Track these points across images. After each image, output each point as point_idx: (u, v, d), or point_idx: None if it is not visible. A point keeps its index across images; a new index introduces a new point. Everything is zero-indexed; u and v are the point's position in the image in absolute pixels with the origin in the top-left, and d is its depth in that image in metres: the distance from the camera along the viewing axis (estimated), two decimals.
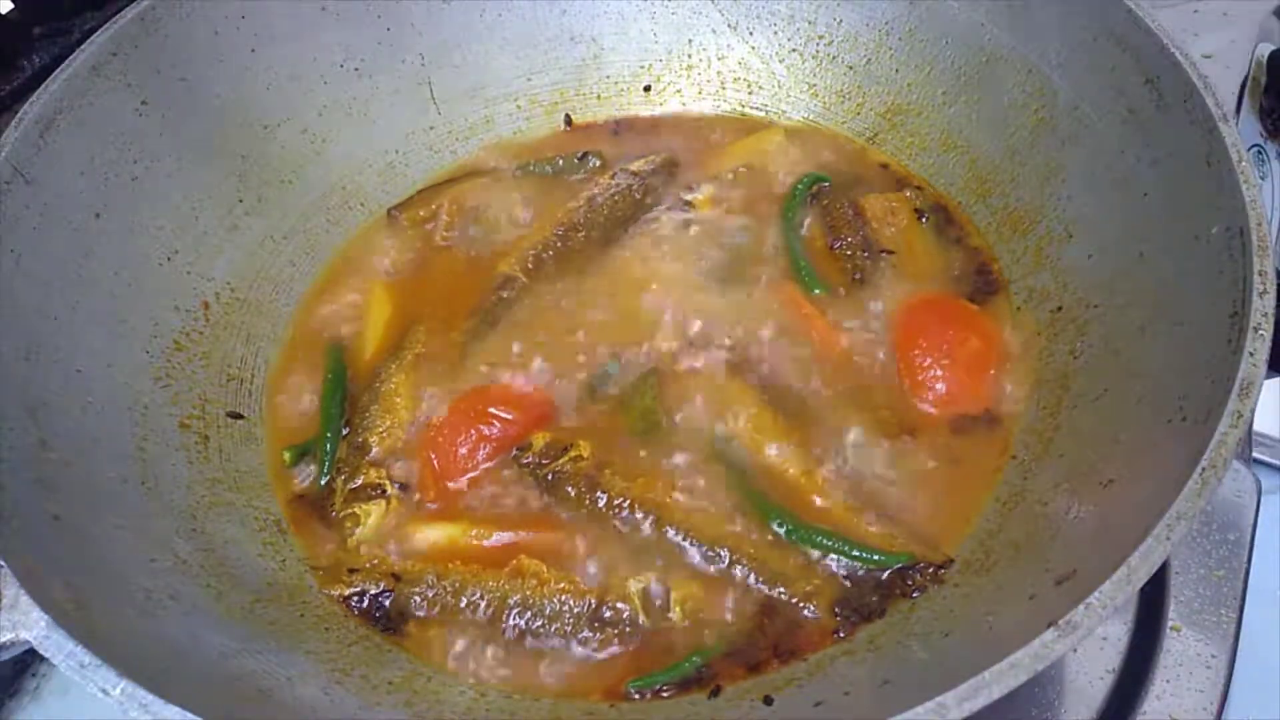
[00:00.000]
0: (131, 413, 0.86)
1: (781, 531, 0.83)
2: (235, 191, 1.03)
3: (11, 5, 1.21)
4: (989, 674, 0.55)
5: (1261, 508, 0.91)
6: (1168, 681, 0.83)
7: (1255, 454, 0.99)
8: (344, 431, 0.94)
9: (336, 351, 1.00)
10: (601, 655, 0.79)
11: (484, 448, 0.90)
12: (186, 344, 0.94)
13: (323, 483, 0.91)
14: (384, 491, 0.89)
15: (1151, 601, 0.86)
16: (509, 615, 0.80)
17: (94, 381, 0.85)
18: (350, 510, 0.88)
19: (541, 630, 0.79)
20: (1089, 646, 0.85)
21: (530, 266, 1.03)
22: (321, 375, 0.98)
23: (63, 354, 0.83)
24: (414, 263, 1.08)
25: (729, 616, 0.80)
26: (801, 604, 0.79)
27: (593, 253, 1.05)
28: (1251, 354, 0.65)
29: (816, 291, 0.98)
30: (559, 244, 1.04)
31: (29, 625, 0.61)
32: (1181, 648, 0.84)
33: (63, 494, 0.75)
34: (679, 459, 0.88)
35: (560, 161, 1.15)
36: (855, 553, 0.81)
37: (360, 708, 0.73)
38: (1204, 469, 0.61)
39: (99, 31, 0.92)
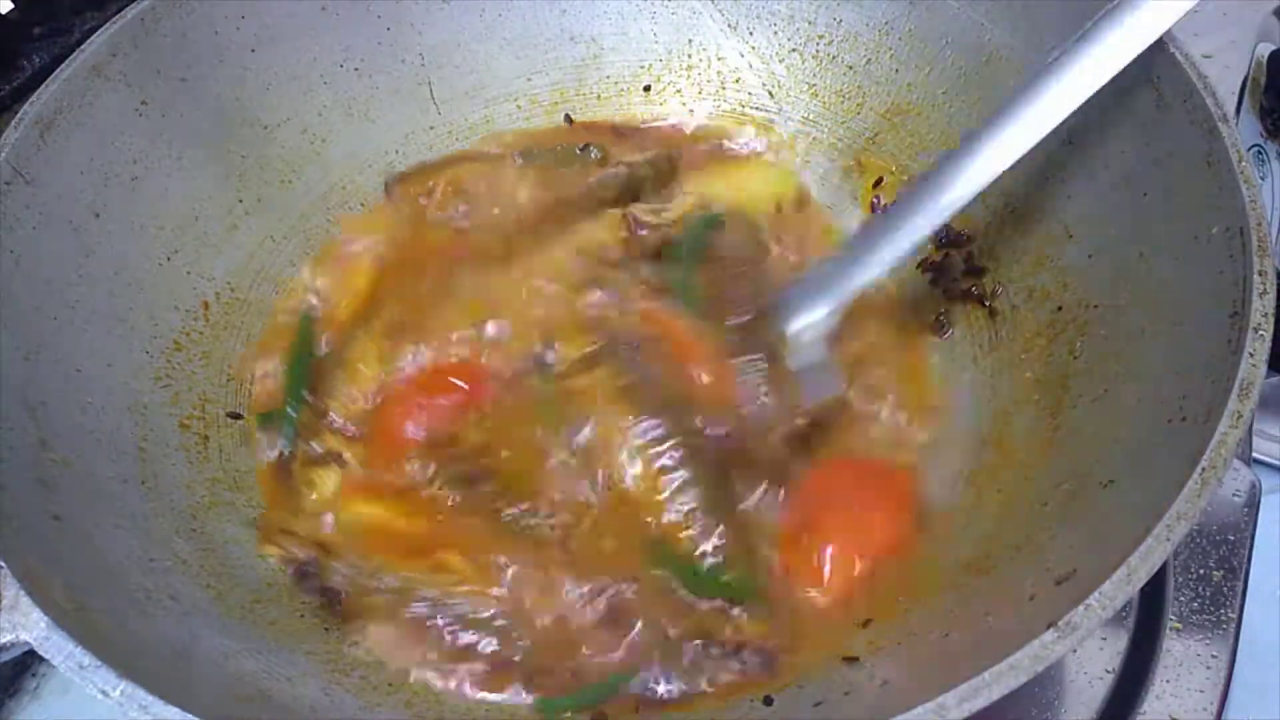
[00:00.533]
0: (131, 413, 0.86)
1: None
2: (235, 191, 1.03)
3: (11, 5, 1.21)
4: (989, 674, 0.55)
5: (1261, 508, 0.91)
6: (1168, 681, 0.83)
7: (1255, 454, 0.99)
8: (309, 399, 0.95)
9: (306, 320, 1.00)
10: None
11: (428, 418, 0.91)
12: (186, 344, 0.94)
13: (285, 450, 0.92)
14: (341, 458, 0.90)
15: (1151, 601, 0.86)
16: (415, 603, 0.80)
17: (94, 381, 0.84)
18: (308, 476, 0.90)
19: (447, 623, 0.80)
20: (1089, 646, 0.85)
21: (504, 242, 1.04)
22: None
23: (62, 354, 0.83)
24: (401, 236, 1.08)
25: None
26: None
27: (559, 231, 1.05)
28: (1251, 354, 0.65)
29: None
30: (534, 223, 1.05)
31: (29, 626, 0.61)
32: (1181, 648, 0.84)
33: (62, 494, 0.75)
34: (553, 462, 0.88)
35: (560, 149, 1.14)
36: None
37: (360, 708, 0.73)
38: (1204, 469, 0.61)
39: (99, 31, 0.92)
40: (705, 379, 0.92)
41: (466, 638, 0.79)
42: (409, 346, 0.97)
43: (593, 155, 1.14)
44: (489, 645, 0.79)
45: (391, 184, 1.11)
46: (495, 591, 0.81)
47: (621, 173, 1.10)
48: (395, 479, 0.89)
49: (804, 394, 0.89)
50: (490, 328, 0.97)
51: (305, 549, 0.84)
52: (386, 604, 0.81)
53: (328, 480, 0.90)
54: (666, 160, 1.13)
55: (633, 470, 0.86)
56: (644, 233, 1.05)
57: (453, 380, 0.93)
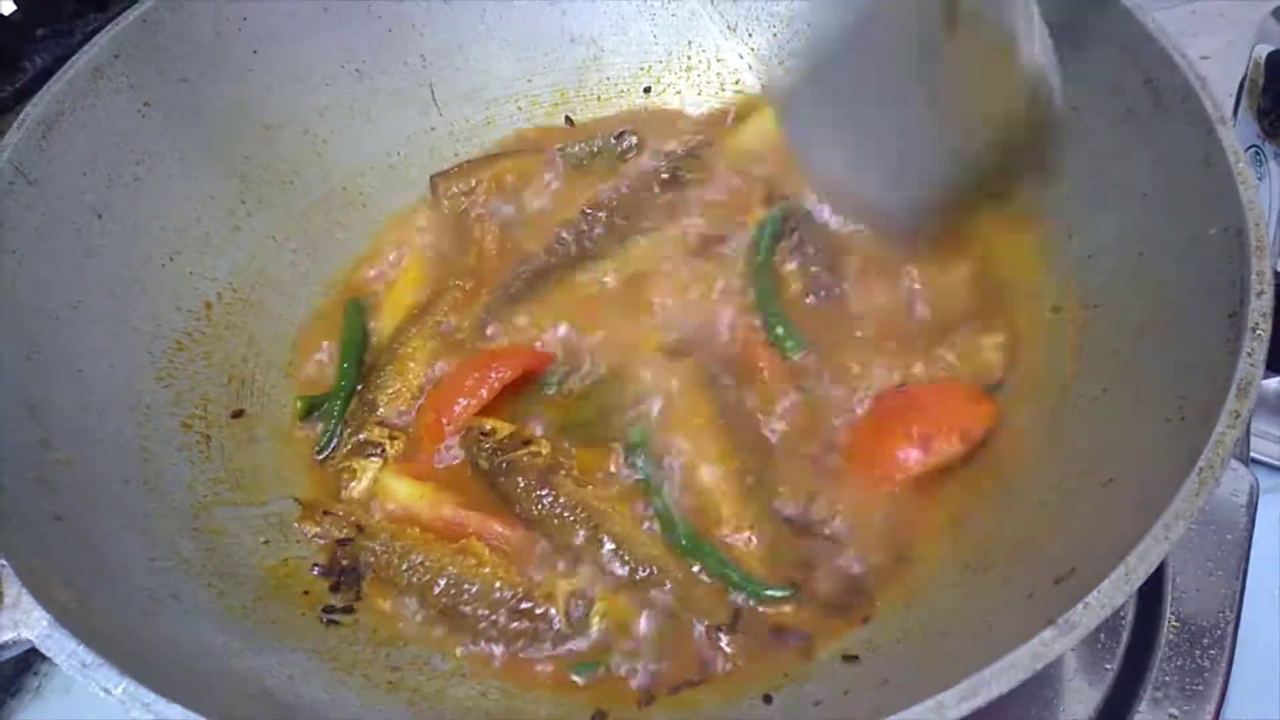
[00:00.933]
0: (133, 413, 0.86)
1: (678, 543, 0.83)
2: (237, 192, 1.03)
3: (14, 6, 1.22)
4: (988, 673, 0.55)
5: (1260, 507, 0.91)
6: (1167, 681, 0.83)
7: (1253, 454, 0.99)
8: (358, 389, 0.98)
9: (356, 309, 1.03)
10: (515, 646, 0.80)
11: (482, 390, 0.91)
12: (188, 344, 0.94)
13: (329, 438, 0.95)
14: (383, 451, 0.92)
15: (1151, 601, 0.86)
16: (439, 586, 0.82)
17: (96, 381, 0.85)
18: (348, 464, 0.92)
19: (467, 606, 0.81)
20: (1088, 646, 0.85)
21: (556, 246, 1.04)
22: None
23: (64, 354, 0.83)
24: (449, 234, 1.10)
25: (645, 635, 0.80)
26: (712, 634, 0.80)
27: (613, 240, 1.05)
28: (1249, 354, 0.65)
29: (790, 353, 0.94)
30: (584, 226, 1.05)
31: (31, 624, 0.61)
32: (1181, 648, 0.84)
33: (64, 494, 0.75)
34: (627, 472, 0.88)
35: (599, 143, 1.15)
36: (734, 577, 0.81)
37: (362, 707, 0.73)
38: (1202, 469, 0.61)
39: (101, 33, 0.92)
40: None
41: (484, 615, 0.81)
42: (459, 350, 0.99)
43: (629, 141, 1.14)
44: (507, 623, 0.80)
45: (435, 181, 1.12)
46: (518, 573, 0.83)
47: (664, 167, 1.10)
48: (434, 463, 0.91)
49: None
50: (560, 330, 0.99)
51: (342, 527, 0.87)
52: (412, 582, 0.83)
53: (368, 469, 0.91)
54: (704, 146, 1.13)
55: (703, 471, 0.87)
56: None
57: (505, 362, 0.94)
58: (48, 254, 0.85)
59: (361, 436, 0.93)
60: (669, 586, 0.82)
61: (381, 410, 0.95)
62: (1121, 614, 0.86)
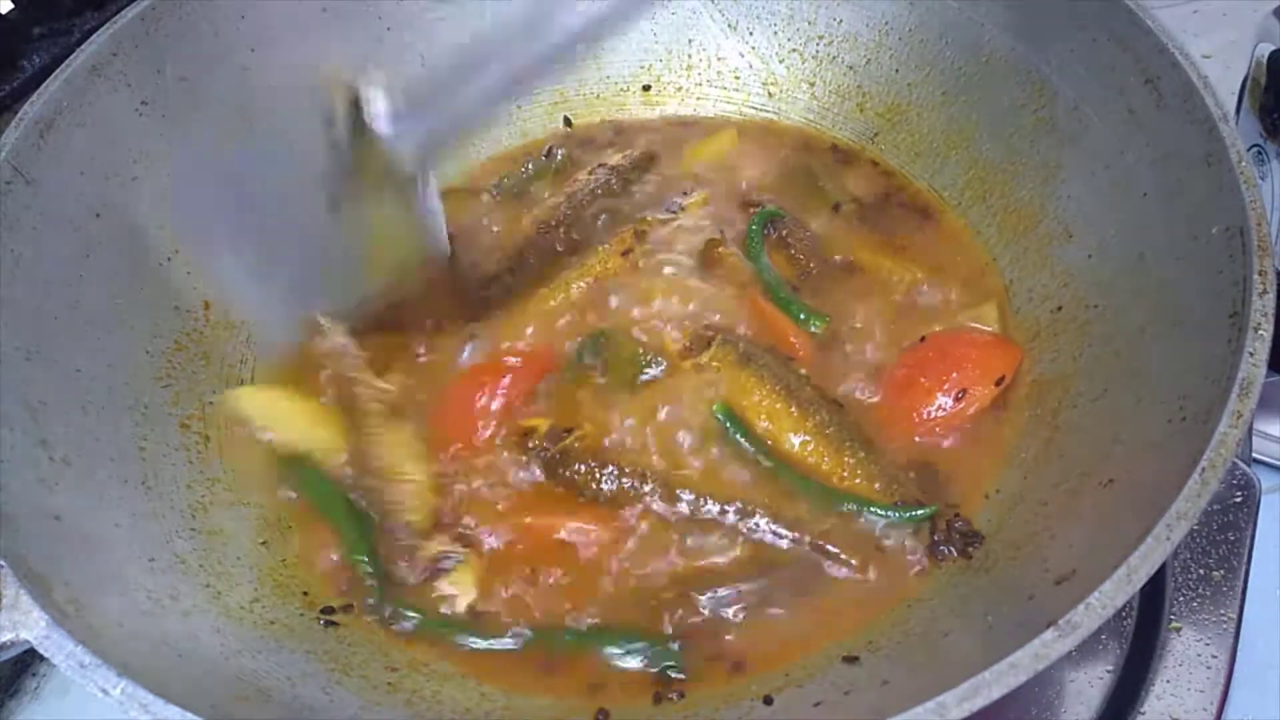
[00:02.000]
0: (132, 412, 0.86)
1: (812, 497, 0.84)
2: None
3: (11, 5, 1.21)
4: (989, 674, 0.55)
5: (1261, 507, 0.91)
6: (1168, 681, 0.82)
7: (1255, 454, 0.99)
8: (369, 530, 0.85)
9: (309, 471, 0.89)
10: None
11: (496, 399, 0.91)
12: (187, 344, 0.94)
13: (381, 604, 0.81)
14: (457, 557, 0.83)
15: (1151, 601, 0.86)
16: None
17: (94, 381, 0.84)
18: (437, 595, 0.82)
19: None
20: (1089, 646, 0.85)
21: (514, 265, 1.04)
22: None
23: (63, 353, 0.83)
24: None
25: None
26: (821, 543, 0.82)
27: (575, 248, 1.05)
28: (1251, 353, 0.65)
29: (814, 328, 0.96)
30: (541, 240, 1.05)
31: (29, 625, 0.61)
32: (1181, 648, 0.84)
33: (63, 494, 0.75)
34: (682, 436, 0.89)
35: (530, 166, 1.14)
36: (881, 511, 0.83)
37: (361, 707, 0.73)
38: (1204, 469, 0.61)
39: (99, 31, 0.92)
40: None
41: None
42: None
43: (558, 156, 1.14)
44: None
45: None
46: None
47: (615, 181, 1.10)
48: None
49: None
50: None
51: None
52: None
53: (462, 578, 0.82)
54: (646, 158, 1.13)
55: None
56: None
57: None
58: (46, 253, 0.85)
59: (421, 571, 0.82)
60: (761, 513, 0.83)
61: (415, 523, 0.85)
62: (1123, 615, 0.86)
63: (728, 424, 0.88)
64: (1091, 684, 0.83)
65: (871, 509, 0.83)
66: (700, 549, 0.83)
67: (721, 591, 0.80)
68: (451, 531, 0.85)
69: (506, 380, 0.92)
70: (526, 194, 1.13)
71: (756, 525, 0.83)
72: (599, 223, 1.07)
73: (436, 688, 0.77)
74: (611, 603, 0.81)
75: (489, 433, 0.91)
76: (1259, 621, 0.88)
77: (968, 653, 0.66)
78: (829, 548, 0.82)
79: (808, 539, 0.82)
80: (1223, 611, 0.86)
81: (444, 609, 0.82)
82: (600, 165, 1.11)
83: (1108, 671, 0.84)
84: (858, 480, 0.85)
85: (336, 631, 0.80)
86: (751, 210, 1.06)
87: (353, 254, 0.91)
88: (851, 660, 0.74)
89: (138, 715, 0.58)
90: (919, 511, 0.82)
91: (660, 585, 0.82)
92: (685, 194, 1.09)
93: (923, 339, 0.94)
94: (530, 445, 0.89)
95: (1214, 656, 0.84)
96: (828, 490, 0.85)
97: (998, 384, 0.88)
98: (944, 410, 0.88)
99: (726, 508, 0.84)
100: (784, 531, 0.83)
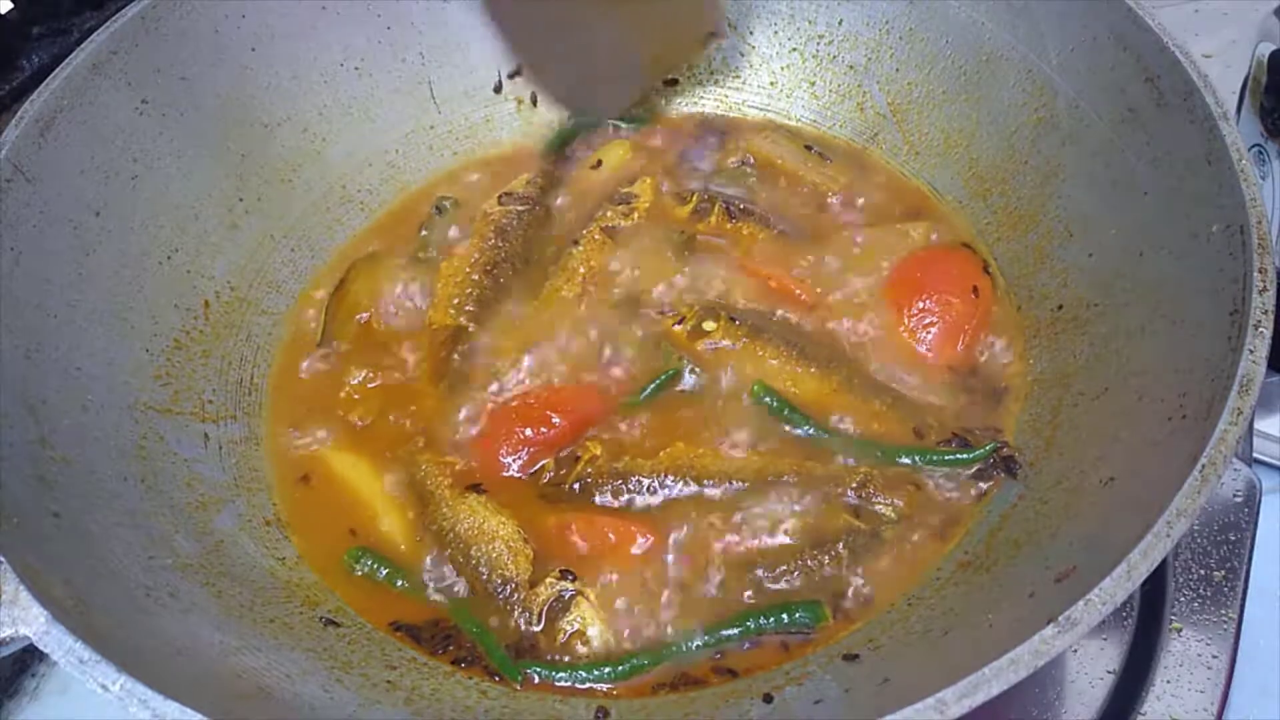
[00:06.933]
0: (132, 411, 0.86)
1: (877, 455, 0.87)
2: (235, 190, 1.03)
3: (11, 4, 1.21)
4: (988, 670, 0.55)
5: (1261, 507, 0.91)
6: (1168, 681, 0.82)
7: (1255, 454, 0.98)
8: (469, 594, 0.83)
9: (462, 610, 0.82)
10: None
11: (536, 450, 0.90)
12: (187, 342, 0.94)
13: (503, 660, 0.79)
14: (572, 594, 0.81)
15: (1151, 601, 0.86)
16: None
17: (94, 380, 0.85)
18: (564, 638, 0.80)
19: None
20: (1089, 646, 0.85)
21: (473, 311, 0.99)
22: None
23: (63, 352, 0.83)
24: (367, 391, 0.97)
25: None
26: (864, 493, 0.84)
27: (533, 276, 1.03)
28: (1252, 351, 0.65)
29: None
30: (490, 281, 1.01)
31: (29, 621, 0.61)
32: (1181, 648, 0.84)
33: (62, 491, 0.75)
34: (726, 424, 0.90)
35: (424, 230, 1.09)
36: (937, 458, 0.85)
37: (360, 705, 0.73)
38: (1204, 466, 0.61)
39: (99, 30, 0.92)
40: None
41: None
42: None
43: (447, 205, 1.10)
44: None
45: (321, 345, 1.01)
46: None
47: (537, 208, 1.08)
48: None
49: None
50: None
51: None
52: None
53: (583, 616, 0.80)
54: (546, 178, 1.12)
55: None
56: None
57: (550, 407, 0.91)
58: (46, 252, 0.85)
59: (539, 619, 0.80)
60: (789, 477, 0.85)
61: (520, 575, 0.82)
62: (1124, 613, 0.86)
63: (770, 400, 0.89)
64: (1092, 684, 0.83)
65: (932, 456, 0.85)
66: (751, 527, 0.84)
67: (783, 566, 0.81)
68: (550, 571, 0.82)
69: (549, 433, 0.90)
70: (446, 247, 1.07)
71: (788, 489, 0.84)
72: (550, 234, 1.07)
73: (436, 685, 0.77)
74: (704, 601, 0.81)
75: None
76: (1259, 622, 0.88)
77: (968, 650, 0.65)
78: (873, 494, 0.84)
79: (851, 490, 0.84)
80: (1223, 612, 0.86)
81: (579, 646, 0.79)
82: (505, 195, 1.08)
83: (1109, 672, 0.84)
84: (893, 425, 0.88)
85: (336, 630, 0.80)
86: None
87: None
88: (851, 658, 0.74)
89: (137, 711, 0.58)
90: (979, 451, 0.85)
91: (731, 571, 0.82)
92: (630, 183, 1.09)
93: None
94: (550, 483, 0.88)
95: (1214, 657, 0.83)
96: (883, 446, 0.87)
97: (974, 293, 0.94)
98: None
99: (770, 481, 0.85)
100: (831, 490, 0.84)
